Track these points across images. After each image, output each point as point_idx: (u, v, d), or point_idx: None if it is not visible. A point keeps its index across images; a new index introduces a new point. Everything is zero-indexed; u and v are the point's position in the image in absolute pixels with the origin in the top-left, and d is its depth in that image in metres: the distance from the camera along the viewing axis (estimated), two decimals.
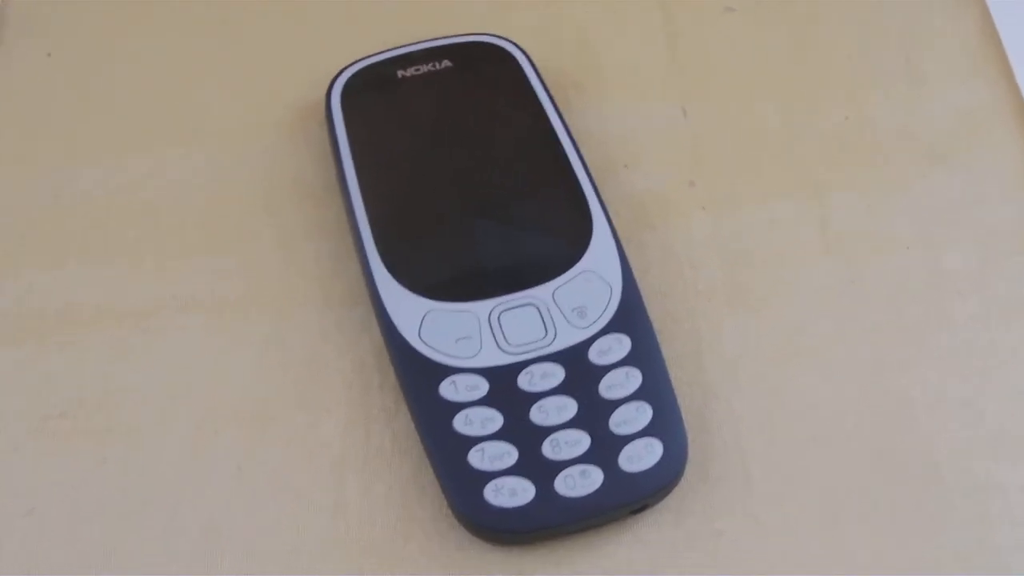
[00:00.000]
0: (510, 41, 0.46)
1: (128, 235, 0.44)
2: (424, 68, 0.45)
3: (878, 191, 0.45)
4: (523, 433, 0.37)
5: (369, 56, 0.46)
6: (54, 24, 0.49)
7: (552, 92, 0.45)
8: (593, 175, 0.42)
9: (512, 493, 0.36)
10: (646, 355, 0.39)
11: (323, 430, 0.40)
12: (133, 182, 0.45)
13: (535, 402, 0.38)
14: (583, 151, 0.43)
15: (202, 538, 0.38)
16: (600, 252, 0.40)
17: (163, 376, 0.41)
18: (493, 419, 0.37)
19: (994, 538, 0.37)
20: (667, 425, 0.38)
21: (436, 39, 0.46)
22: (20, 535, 0.38)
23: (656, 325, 0.40)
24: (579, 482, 0.36)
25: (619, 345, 0.39)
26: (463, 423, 0.37)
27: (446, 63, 0.45)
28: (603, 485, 0.36)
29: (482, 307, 0.39)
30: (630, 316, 0.39)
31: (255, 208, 0.44)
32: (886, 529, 0.38)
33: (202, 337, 0.41)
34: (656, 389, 0.38)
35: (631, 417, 0.37)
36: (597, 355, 0.38)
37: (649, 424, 0.37)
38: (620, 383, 0.38)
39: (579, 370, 0.38)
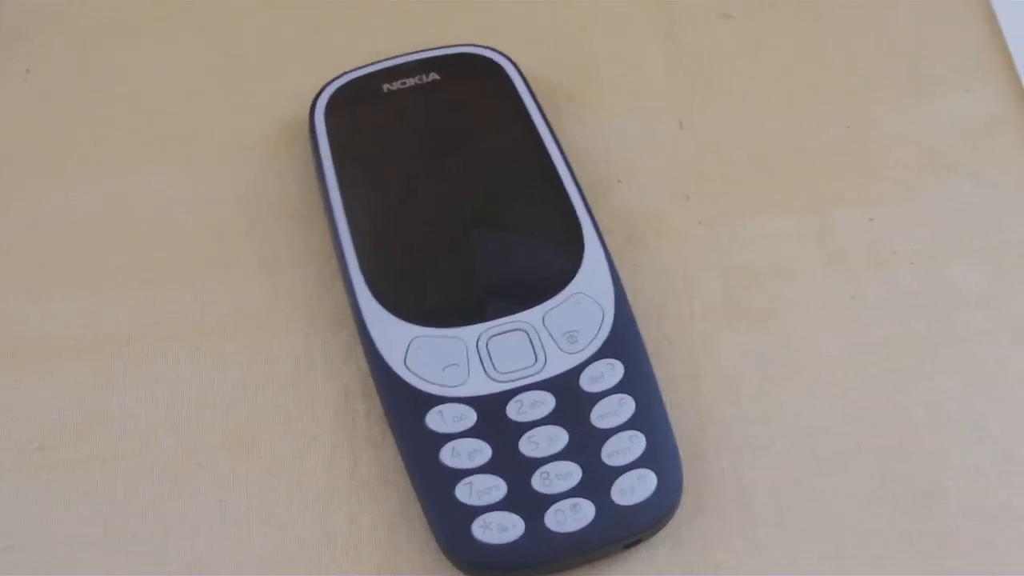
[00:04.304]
0: (498, 52, 0.45)
1: (108, 258, 0.43)
2: (410, 81, 0.44)
3: (881, 203, 0.44)
4: (512, 465, 0.36)
5: (354, 69, 0.45)
6: (32, 41, 0.48)
7: (543, 104, 0.44)
8: (585, 191, 0.41)
9: (501, 529, 0.35)
10: (639, 381, 0.38)
11: (308, 460, 0.39)
12: (113, 204, 0.44)
13: (525, 432, 0.37)
14: (575, 166, 0.42)
15: (185, 574, 0.37)
16: (591, 273, 0.39)
17: (144, 405, 0.40)
18: (481, 451, 0.36)
19: (1001, 565, 0.37)
20: (661, 455, 0.37)
21: (422, 51, 0.45)
22: None
23: (650, 348, 0.39)
24: (570, 516, 0.36)
25: (611, 371, 0.38)
26: (450, 455, 0.36)
27: (433, 76, 0.44)
28: (595, 519, 0.36)
29: (470, 333, 0.38)
30: (622, 340, 0.38)
31: (238, 229, 0.43)
32: (891, 557, 0.37)
33: (184, 364, 0.41)
34: (650, 417, 0.37)
35: (624, 447, 0.36)
36: (588, 382, 0.37)
37: (643, 455, 0.36)
38: (612, 411, 0.37)
39: (570, 398, 0.37)
